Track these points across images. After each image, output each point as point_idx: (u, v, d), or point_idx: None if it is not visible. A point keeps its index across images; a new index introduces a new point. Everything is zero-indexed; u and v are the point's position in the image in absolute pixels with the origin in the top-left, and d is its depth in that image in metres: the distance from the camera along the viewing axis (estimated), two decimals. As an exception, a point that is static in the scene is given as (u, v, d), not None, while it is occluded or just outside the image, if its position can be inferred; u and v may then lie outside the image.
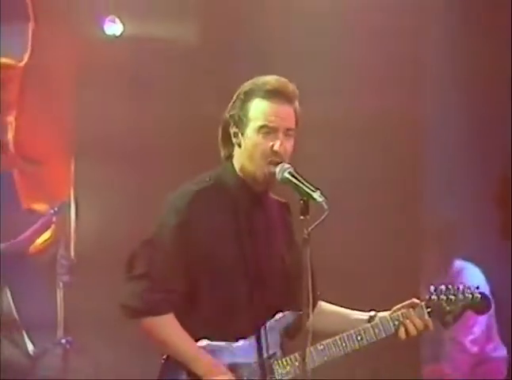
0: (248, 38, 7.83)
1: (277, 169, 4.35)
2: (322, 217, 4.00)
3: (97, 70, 7.56)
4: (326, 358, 4.33)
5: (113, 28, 7.66)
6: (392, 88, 7.72)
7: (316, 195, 4.09)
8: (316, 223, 4.06)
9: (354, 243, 7.16)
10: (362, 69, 7.75)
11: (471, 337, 7.46)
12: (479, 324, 7.43)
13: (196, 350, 4.66)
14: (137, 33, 7.82)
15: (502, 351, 7.34)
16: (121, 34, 7.66)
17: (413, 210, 7.94)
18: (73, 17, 7.73)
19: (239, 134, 4.47)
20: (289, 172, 4.23)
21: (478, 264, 7.71)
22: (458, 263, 7.45)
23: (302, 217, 3.99)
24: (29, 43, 7.76)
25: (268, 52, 7.54)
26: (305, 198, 4.07)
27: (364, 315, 4.49)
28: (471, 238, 7.95)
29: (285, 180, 4.25)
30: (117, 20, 7.62)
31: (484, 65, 8.26)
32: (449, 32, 8.85)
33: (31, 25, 7.80)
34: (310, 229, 4.01)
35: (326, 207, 3.99)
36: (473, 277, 7.19)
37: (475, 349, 7.46)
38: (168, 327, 4.55)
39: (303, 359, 4.18)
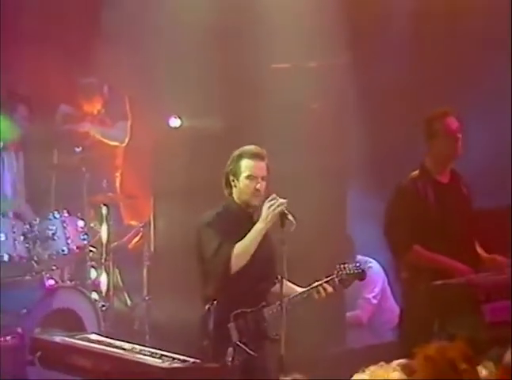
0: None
1: (277, 203, 6.42)
2: (292, 228, 6.29)
3: (165, 149, 9.75)
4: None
5: (174, 122, 9.52)
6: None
7: (290, 216, 6.32)
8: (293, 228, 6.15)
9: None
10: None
11: (372, 294, 9.46)
12: (377, 287, 9.46)
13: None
14: (190, 126, 9.69)
15: (394, 306, 9.14)
16: (180, 126, 9.60)
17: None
18: (151, 116, 9.81)
19: (235, 180, 6.58)
20: (284, 207, 6.35)
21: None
22: (360, 257, 8.98)
23: (281, 228, 6.33)
24: (128, 133, 9.89)
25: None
26: (287, 218, 6.30)
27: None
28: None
29: (281, 211, 6.36)
30: (177, 117, 9.55)
31: None
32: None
33: (129, 122, 9.90)
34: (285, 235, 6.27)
35: (294, 222, 6.26)
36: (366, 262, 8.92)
37: (374, 301, 9.46)
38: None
39: (281, 305, 6.25)
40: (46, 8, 9.66)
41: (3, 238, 8.43)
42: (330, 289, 6.69)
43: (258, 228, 6.65)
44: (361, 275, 6.94)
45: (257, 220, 6.66)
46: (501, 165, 9.70)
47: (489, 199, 8.82)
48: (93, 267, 9.19)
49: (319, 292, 6.68)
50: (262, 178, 6.53)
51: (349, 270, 6.76)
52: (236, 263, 6.64)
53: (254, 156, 6.59)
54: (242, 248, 6.64)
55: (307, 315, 7.26)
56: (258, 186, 6.50)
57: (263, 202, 6.55)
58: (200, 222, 6.70)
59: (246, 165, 6.56)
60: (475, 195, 7.98)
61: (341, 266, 6.74)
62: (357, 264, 6.94)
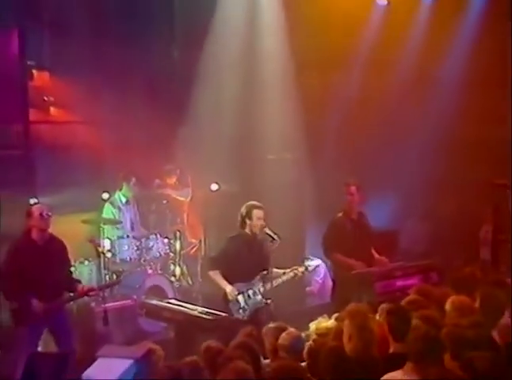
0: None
1: (265, 229, 6.60)
2: (275, 245, 6.50)
3: (209, 202, 9.48)
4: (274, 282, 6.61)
5: (214, 186, 9.41)
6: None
7: (276, 237, 6.54)
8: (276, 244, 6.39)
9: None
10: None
11: (319, 277, 9.46)
12: (322, 273, 9.36)
13: None
14: (223, 189, 9.40)
15: (330, 283, 8.32)
16: (217, 189, 9.39)
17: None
18: (201, 183, 9.52)
19: (249, 221, 6.68)
20: (268, 230, 6.61)
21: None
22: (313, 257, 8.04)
23: (270, 243, 6.59)
24: (190, 194, 9.66)
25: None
26: (271, 237, 6.57)
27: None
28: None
29: (266, 232, 6.60)
30: (216, 184, 9.40)
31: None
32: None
33: (190, 188, 9.62)
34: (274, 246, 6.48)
35: (277, 240, 6.49)
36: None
37: (320, 281, 9.49)
38: None
39: (269, 280, 6.54)
40: (149, 127, 9.13)
41: (126, 249, 8.64)
42: (300, 272, 6.98)
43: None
44: (316, 267, 7.51)
45: (260, 241, 6.77)
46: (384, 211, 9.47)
47: (377, 225, 8.41)
48: (172, 263, 9.20)
49: (296, 275, 6.89)
50: (263, 218, 6.75)
51: (309, 264, 7.12)
52: (210, 273, 6.85)
53: (260, 207, 6.76)
54: (211, 276, 6.83)
55: (285, 289, 7.10)
56: (262, 223, 6.72)
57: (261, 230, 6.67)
58: (227, 238, 6.94)
59: (256, 212, 6.72)
60: (370, 224, 7.89)
61: (306, 261, 7.16)
62: (312, 261, 7.31)
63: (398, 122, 9.27)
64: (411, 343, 4.46)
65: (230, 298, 6.57)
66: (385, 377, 4.43)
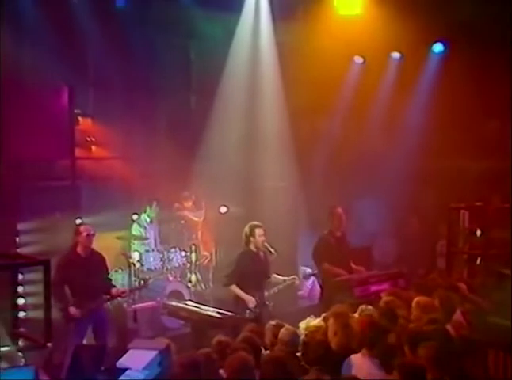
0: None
1: (265, 244, 6.53)
2: (273, 257, 6.51)
3: (219, 222, 9.36)
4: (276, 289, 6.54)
5: (223, 209, 9.42)
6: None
7: (273, 250, 6.53)
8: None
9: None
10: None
11: (309, 283, 9.22)
12: (311, 280, 9.04)
13: None
14: (230, 211, 9.46)
15: (318, 288, 7.87)
16: (226, 212, 9.49)
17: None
18: (212, 206, 9.39)
19: (253, 238, 6.51)
20: (266, 244, 6.53)
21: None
22: (303, 268, 8.52)
23: (269, 255, 6.53)
24: (203, 215, 9.42)
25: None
26: (269, 251, 6.53)
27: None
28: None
29: (265, 246, 6.49)
30: (225, 206, 9.47)
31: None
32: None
33: (204, 210, 9.35)
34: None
35: (274, 253, 6.48)
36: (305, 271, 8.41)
37: (310, 287, 9.25)
38: None
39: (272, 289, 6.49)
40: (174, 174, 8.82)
41: (152, 260, 8.60)
42: (298, 280, 7.01)
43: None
44: (309, 275, 7.85)
45: (262, 254, 6.63)
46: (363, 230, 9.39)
47: (356, 242, 8.39)
48: (188, 272, 9.08)
49: (293, 282, 6.81)
50: (263, 236, 6.67)
51: (304, 272, 7.54)
52: (230, 288, 6.57)
53: (260, 226, 6.65)
54: (232, 290, 6.54)
55: (281, 293, 6.99)
56: (263, 239, 6.63)
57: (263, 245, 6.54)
58: (236, 255, 6.75)
59: (257, 230, 6.61)
60: (349, 241, 7.80)
61: (301, 271, 7.60)
62: (307, 270, 7.67)
63: (372, 158, 9.41)
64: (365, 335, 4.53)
65: (250, 305, 6.46)
66: (351, 357, 4.46)
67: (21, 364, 4.96)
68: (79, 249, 6.47)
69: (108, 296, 6.60)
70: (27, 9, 6.52)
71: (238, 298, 6.50)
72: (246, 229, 6.60)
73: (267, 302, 6.53)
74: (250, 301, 6.40)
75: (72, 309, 6.24)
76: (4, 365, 4.66)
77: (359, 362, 4.38)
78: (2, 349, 4.82)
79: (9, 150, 6.86)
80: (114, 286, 6.81)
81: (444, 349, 4.15)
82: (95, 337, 6.41)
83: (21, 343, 5.32)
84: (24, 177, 7.28)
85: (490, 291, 6.06)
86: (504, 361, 5.19)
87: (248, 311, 6.39)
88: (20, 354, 5.22)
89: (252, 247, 6.58)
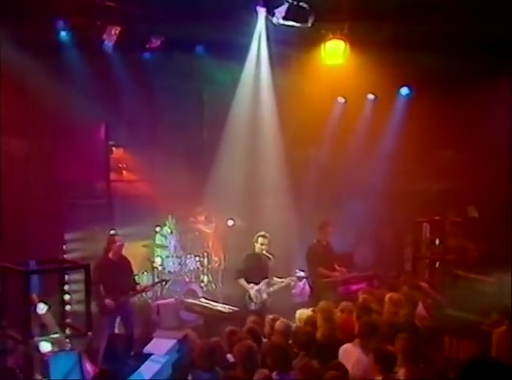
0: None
1: (263, 251, 6.65)
2: (272, 261, 6.65)
3: (227, 234, 9.16)
4: (272, 288, 6.68)
5: (230, 222, 9.19)
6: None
7: (271, 256, 6.73)
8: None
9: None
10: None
11: (301, 283, 8.30)
12: (304, 281, 8.08)
13: None
14: (236, 224, 9.24)
15: (308, 288, 7.71)
16: (233, 225, 9.19)
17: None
18: (220, 219, 9.14)
19: (256, 244, 6.68)
20: (265, 251, 6.72)
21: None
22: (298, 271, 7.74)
23: (269, 259, 6.66)
24: (214, 227, 9.12)
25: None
26: (268, 257, 6.70)
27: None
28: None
29: (264, 253, 6.64)
30: (232, 220, 9.19)
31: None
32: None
33: (215, 223, 9.12)
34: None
35: (272, 259, 6.67)
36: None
37: (302, 286, 8.50)
38: None
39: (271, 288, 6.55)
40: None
41: (171, 264, 8.65)
42: (293, 281, 7.03)
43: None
44: (303, 277, 7.39)
45: (263, 258, 6.71)
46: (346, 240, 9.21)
47: (339, 249, 8.31)
48: (201, 274, 9.03)
49: (290, 283, 6.91)
50: (266, 244, 6.86)
51: (299, 275, 7.17)
52: (238, 280, 6.65)
53: (264, 236, 6.90)
54: (239, 282, 6.66)
55: (278, 292, 7.08)
56: (265, 247, 6.87)
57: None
58: (245, 255, 6.91)
59: (261, 239, 6.84)
60: (335, 248, 7.88)
61: (297, 273, 7.15)
62: (301, 273, 7.29)
63: (353, 180, 9.37)
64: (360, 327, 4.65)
65: (252, 295, 6.58)
66: (342, 347, 4.60)
67: (68, 349, 5.09)
68: (111, 255, 6.72)
69: (134, 292, 6.82)
70: (73, 62, 6.77)
71: (244, 292, 6.65)
72: (255, 237, 6.82)
73: (266, 297, 6.67)
74: (253, 291, 6.57)
75: (107, 301, 6.40)
76: (55, 348, 4.82)
77: (350, 350, 4.51)
78: (54, 336, 4.97)
79: (58, 174, 7.20)
80: (138, 284, 7.08)
81: (413, 338, 4.33)
82: (124, 328, 6.63)
83: (67, 331, 5.50)
84: (69, 196, 7.47)
85: (447, 289, 6.35)
86: (457, 345, 5.55)
87: (252, 303, 6.57)
88: (67, 340, 5.33)
89: (256, 250, 6.81)
